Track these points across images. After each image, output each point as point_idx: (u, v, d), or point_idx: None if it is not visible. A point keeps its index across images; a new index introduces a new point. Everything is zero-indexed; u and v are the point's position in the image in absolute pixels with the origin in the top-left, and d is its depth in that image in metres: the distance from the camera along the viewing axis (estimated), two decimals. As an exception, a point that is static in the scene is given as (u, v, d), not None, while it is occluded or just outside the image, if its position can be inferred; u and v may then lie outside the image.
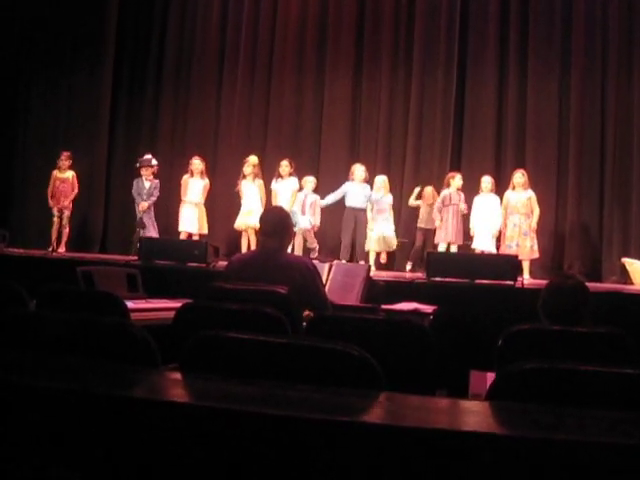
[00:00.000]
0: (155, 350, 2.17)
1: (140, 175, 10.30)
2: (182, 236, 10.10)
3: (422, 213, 9.94)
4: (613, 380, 1.88)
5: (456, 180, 9.56)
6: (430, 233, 9.80)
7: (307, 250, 9.84)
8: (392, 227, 9.78)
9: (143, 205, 10.09)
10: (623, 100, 9.98)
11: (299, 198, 9.88)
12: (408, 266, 9.78)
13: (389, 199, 9.81)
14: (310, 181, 9.97)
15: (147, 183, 10.24)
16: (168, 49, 11.84)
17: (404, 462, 1.26)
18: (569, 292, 3.30)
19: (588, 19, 10.15)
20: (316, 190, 10.06)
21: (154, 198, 10.23)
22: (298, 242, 9.76)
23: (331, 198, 9.84)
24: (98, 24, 11.56)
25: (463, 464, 1.24)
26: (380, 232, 9.62)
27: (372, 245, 9.67)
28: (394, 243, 9.79)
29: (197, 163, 10.21)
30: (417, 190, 10.01)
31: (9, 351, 1.91)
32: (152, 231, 10.10)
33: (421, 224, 9.92)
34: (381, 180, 9.76)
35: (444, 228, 9.47)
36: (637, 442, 1.27)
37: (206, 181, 10.27)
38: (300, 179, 10.01)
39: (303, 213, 9.81)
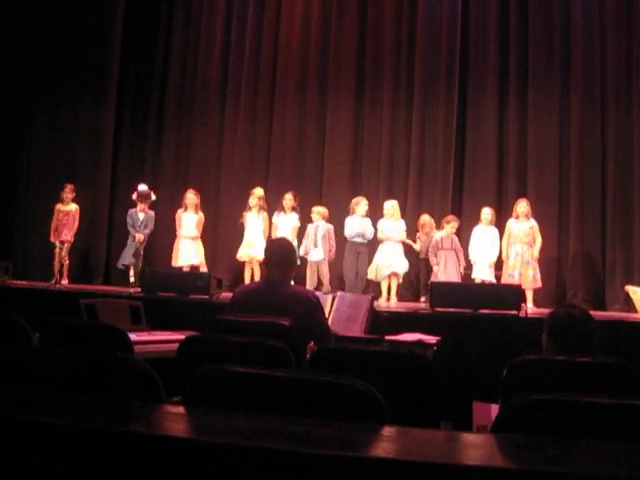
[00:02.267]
0: (159, 384, 2.17)
1: (135, 206, 10.35)
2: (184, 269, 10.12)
3: (422, 244, 9.91)
4: (619, 411, 1.87)
5: (450, 226, 9.52)
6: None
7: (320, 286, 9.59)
8: (401, 255, 9.65)
9: (139, 237, 10.13)
10: (623, 129, 10.03)
11: (310, 230, 9.79)
12: (423, 298, 9.67)
13: (401, 225, 9.74)
14: (318, 212, 9.83)
15: (141, 215, 10.27)
16: (171, 81, 11.93)
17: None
18: (575, 322, 3.28)
19: (587, 49, 10.24)
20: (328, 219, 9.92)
21: (148, 231, 10.24)
22: (310, 275, 9.68)
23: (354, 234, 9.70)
24: (101, 57, 11.67)
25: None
26: (389, 260, 9.54)
27: (381, 273, 9.56)
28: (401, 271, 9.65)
29: (190, 197, 10.21)
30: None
31: (12, 386, 1.91)
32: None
33: (422, 255, 9.90)
34: (391, 205, 9.73)
35: (440, 273, 9.44)
36: (644, 475, 1.26)
37: (200, 215, 10.27)
38: (303, 210, 10.01)
39: (315, 245, 9.70)
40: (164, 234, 10.70)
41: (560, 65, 10.35)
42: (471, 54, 10.78)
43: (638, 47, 9.98)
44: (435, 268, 9.45)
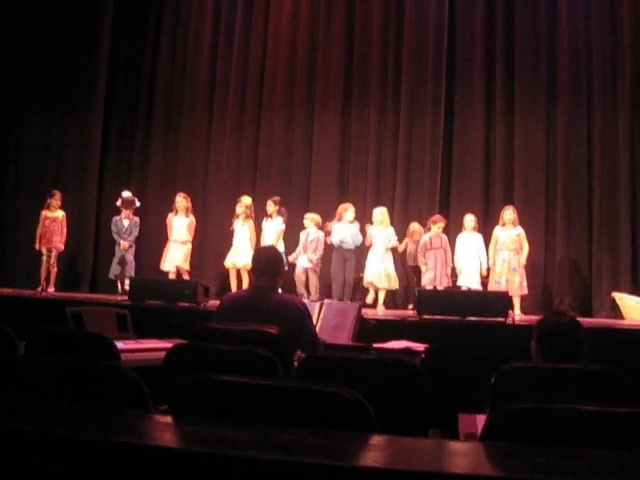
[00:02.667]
0: (146, 393, 2.15)
1: (120, 213, 10.33)
2: (170, 275, 10.10)
3: (409, 251, 9.92)
4: (607, 419, 1.87)
5: (436, 225, 9.54)
6: (419, 270, 9.78)
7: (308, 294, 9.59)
8: (390, 264, 9.64)
9: (124, 244, 10.12)
10: (609, 135, 10.09)
11: (301, 236, 9.81)
12: (411, 306, 9.69)
13: (390, 232, 9.72)
14: (311, 218, 9.84)
15: (126, 221, 10.29)
16: (158, 88, 11.93)
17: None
18: (563, 329, 3.28)
19: (573, 56, 10.31)
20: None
21: (132, 237, 10.30)
22: (300, 282, 9.69)
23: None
24: (89, 66, 11.64)
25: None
26: (379, 268, 9.54)
27: (373, 280, 9.55)
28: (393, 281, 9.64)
29: (180, 200, 10.21)
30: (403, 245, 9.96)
31: (-2, 396, 1.89)
32: (131, 270, 10.20)
33: (410, 262, 9.91)
34: (379, 212, 9.73)
35: (429, 272, 9.45)
36: (632, 483, 1.26)
37: (191, 218, 10.28)
38: (291, 217, 10.00)
39: (305, 251, 9.73)
40: (154, 240, 10.69)
41: (546, 71, 10.42)
42: (458, 60, 10.84)
43: (623, 52, 10.05)
44: (423, 268, 9.45)
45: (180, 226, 10.19)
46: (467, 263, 9.44)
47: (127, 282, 9.59)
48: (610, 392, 2.77)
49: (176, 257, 10.14)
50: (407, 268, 10.04)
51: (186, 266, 10.19)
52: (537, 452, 1.49)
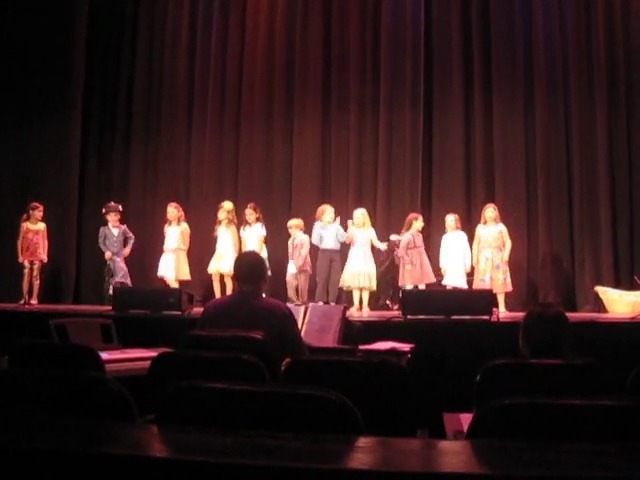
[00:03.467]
0: (131, 403, 2.14)
1: (106, 223, 10.30)
2: (171, 284, 10.10)
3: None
4: (591, 413, 1.88)
5: (418, 222, 9.58)
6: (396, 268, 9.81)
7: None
8: (371, 264, 9.62)
9: (108, 254, 10.14)
10: (587, 132, 10.17)
11: (289, 244, 9.82)
12: (386, 302, 9.76)
13: (370, 233, 9.71)
14: (295, 225, 9.84)
15: (115, 230, 10.27)
16: (136, 96, 11.86)
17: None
18: (551, 322, 3.30)
19: (549, 54, 10.38)
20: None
21: (128, 249, 10.33)
22: (291, 287, 9.74)
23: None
24: (66, 74, 11.55)
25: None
26: (359, 268, 9.54)
27: (352, 282, 9.55)
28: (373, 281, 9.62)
29: (170, 211, 10.23)
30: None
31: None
32: (127, 278, 10.18)
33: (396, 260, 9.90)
34: (360, 213, 9.73)
35: (412, 271, 9.46)
36: (617, 475, 1.27)
37: (183, 226, 10.26)
38: (275, 222, 10.02)
39: (291, 257, 9.75)
40: (138, 249, 10.67)
41: (523, 69, 10.48)
42: (436, 60, 10.87)
43: (598, 49, 10.14)
44: (409, 267, 9.44)
45: (172, 235, 10.21)
46: (452, 262, 9.47)
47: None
48: (594, 386, 2.79)
49: (168, 267, 10.13)
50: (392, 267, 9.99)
51: (182, 276, 10.17)
52: (523, 448, 1.50)
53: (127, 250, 10.32)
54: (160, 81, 11.84)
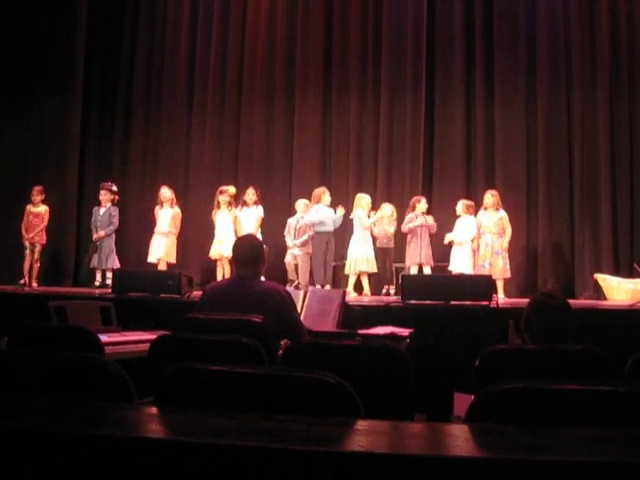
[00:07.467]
0: (130, 385, 2.15)
1: (99, 203, 10.27)
2: (160, 266, 10.08)
3: (379, 233, 9.90)
4: (590, 398, 1.88)
5: (422, 204, 9.58)
6: (390, 252, 9.81)
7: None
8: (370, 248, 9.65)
9: (99, 234, 10.04)
10: (589, 119, 10.14)
11: (291, 223, 9.85)
12: (384, 290, 9.76)
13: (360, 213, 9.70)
14: (304, 204, 9.85)
15: (102, 210, 10.19)
16: (137, 79, 11.83)
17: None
18: (554, 311, 3.29)
19: (552, 40, 10.35)
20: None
21: (113, 227, 10.13)
22: (290, 269, 9.79)
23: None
24: (66, 57, 11.52)
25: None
26: (360, 252, 9.53)
27: (358, 267, 9.55)
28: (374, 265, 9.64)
29: (164, 192, 10.20)
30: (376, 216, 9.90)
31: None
32: (115, 261, 10.10)
33: (380, 244, 9.88)
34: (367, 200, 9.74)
35: (413, 250, 9.47)
36: (614, 459, 1.27)
37: (175, 210, 10.22)
38: (275, 205, 10.01)
39: (294, 236, 9.76)
40: (135, 232, 10.67)
41: (525, 55, 10.46)
42: (438, 44, 10.84)
43: (601, 31, 10.10)
44: (412, 245, 9.45)
45: (164, 218, 10.17)
46: (459, 249, 9.42)
47: (109, 275, 9.60)
48: (592, 371, 2.79)
49: (159, 249, 10.11)
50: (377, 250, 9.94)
51: (170, 259, 10.13)
52: (521, 432, 1.51)
53: (101, 233, 10.04)
54: (161, 63, 11.81)
